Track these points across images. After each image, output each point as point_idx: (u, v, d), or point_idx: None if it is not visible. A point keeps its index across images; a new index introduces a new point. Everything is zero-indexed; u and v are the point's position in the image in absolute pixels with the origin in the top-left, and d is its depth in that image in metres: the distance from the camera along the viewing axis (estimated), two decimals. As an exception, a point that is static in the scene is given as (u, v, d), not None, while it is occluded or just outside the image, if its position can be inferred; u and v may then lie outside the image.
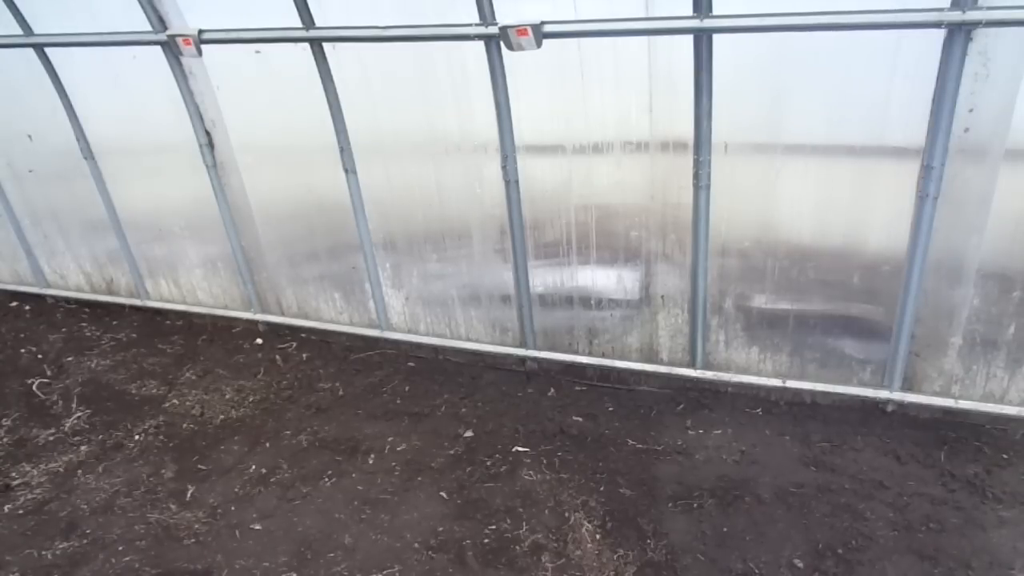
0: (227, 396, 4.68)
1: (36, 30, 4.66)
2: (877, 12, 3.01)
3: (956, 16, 2.89)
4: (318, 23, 3.91)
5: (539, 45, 3.49)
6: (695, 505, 3.45)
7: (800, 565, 3.09)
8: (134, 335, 5.56)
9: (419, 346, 4.93)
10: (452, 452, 3.97)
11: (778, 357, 4.08)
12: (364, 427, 4.25)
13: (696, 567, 3.12)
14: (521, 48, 3.51)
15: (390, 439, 4.12)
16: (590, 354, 4.48)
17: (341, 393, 4.62)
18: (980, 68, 3.07)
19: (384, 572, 3.22)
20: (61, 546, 3.52)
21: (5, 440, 4.40)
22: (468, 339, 4.77)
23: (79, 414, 4.60)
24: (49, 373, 5.12)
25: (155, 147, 4.97)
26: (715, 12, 3.21)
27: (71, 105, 4.99)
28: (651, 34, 3.45)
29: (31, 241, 5.94)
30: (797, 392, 4.08)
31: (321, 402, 4.54)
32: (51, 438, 4.38)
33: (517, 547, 3.30)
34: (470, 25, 3.59)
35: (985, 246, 3.40)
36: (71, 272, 5.99)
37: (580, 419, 4.16)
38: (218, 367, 5.03)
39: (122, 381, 4.95)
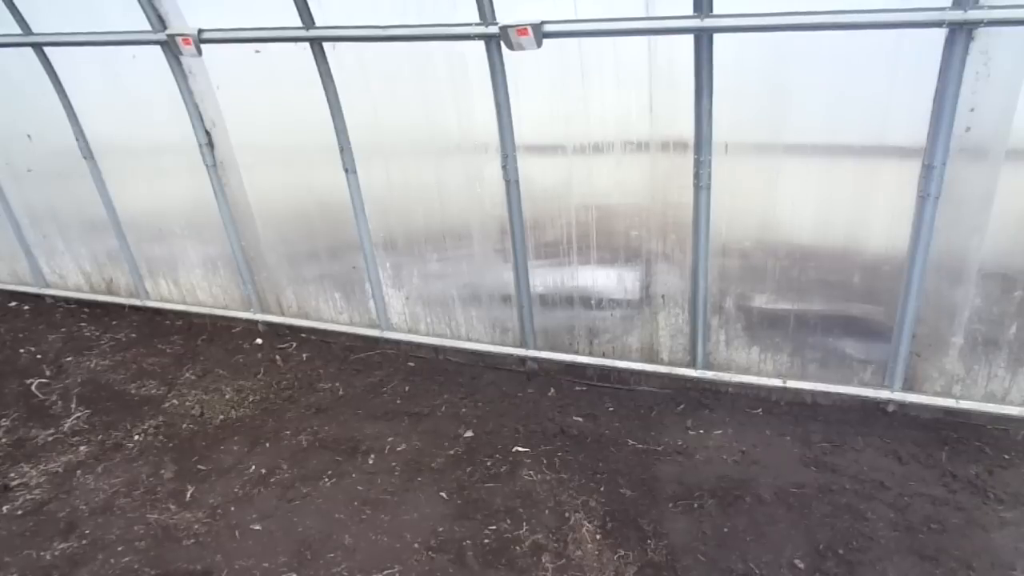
0: (227, 396, 4.68)
1: (35, 30, 4.66)
2: (878, 12, 3.01)
3: (958, 15, 2.89)
4: (318, 23, 3.91)
5: (539, 45, 3.48)
6: (695, 505, 3.44)
7: (801, 566, 3.08)
8: (134, 335, 5.55)
9: (419, 346, 4.93)
10: (452, 452, 3.96)
11: (779, 357, 4.07)
12: (364, 427, 4.24)
13: (696, 567, 3.12)
14: (521, 48, 3.51)
15: (390, 439, 4.11)
16: (590, 354, 4.47)
17: (341, 393, 4.62)
18: (981, 67, 3.07)
19: (384, 572, 3.22)
20: (60, 547, 3.51)
21: (4, 440, 4.39)
22: (468, 339, 4.77)
23: (78, 414, 4.59)
24: (48, 373, 5.11)
25: (155, 147, 4.97)
26: (715, 12, 3.20)
27: (71, 105, 4.98)
28: (651, 34, 3.44)
29: (30, 241, 5.93)
30: (798, 392, 4.07)
31: (321, 402, 4.53)
32: (50, 438, 4.37)
33: (517, 547, 3.29)
34: (470, 25, 3.58)
35: (986, 246, 3.40)
36: (70, 272, 5.98)
37: (580, 419, 4.15)
38: (218, 367, 5.03)
39: (122, 381, 4.95)
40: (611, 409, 4.22)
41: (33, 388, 4.93)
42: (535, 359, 4.61)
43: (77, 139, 5.11)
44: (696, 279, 3.94)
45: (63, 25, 4.55)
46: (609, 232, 4.07)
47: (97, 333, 5.64)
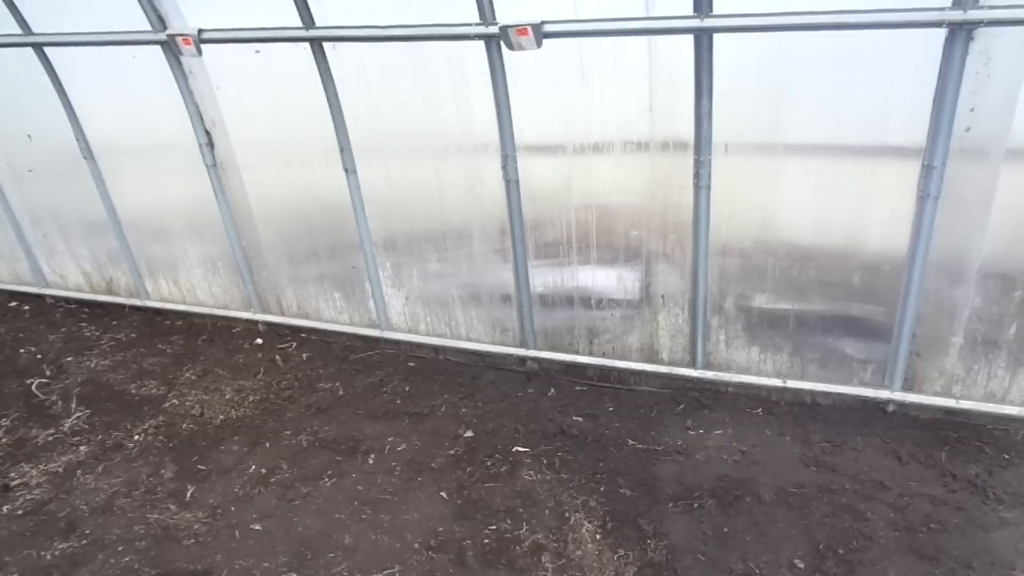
0: (227, 396, 4.68)
1: (36, 29, 4.66)
2: (878, 12, 3.00)
3: (957, 15, 2.89)
4: (318, 23, 3.91)
5: (539, 45, 3.48)
6: (695, 505, 3.45)
7: (801, 565, 3.08)
8: (134, 335, 5.55)
9: (419, 346, 4.93)
10: (452, 452, 3.96)
11: (779, 357, 4.07)
12: (364, 427, 4.25)
13: (696, 567, 3.12)
14: (521, 48, 3.51)
15: (390, 439, 4.11)
16: (590, 354, 4.47)
17: (341, 393, 4.62)
18: (981, 67, 3.07)
19: (384, 572, 3.22)
20: (60, 546, 3.51)
21: (4, 440, 4.39)
22: (468, 339, 4.77)
23: (78, 414, 4.59)
24: (48, 373, 5.11)
25: (155, 147, 4.97)
26: (715, 12, 3.20)
27: (71, 105, 4.98)
28: (651, 34, 3.44)
29: (30, 241, 5.93)
30: (797, 392, 4.07)
31: (321, 402, 4.53)
32: (50, 438, 4.38)
33: (517, 547, 3.29)
34: (470, 25, 3.58)
35: (986, 245, 3.40)
36: (71, 272, 5.98)
37: (580, 419, 4.15)
38: (218, 367, 5.03)
39: (122, 381, 4.95)
40: (611, 409, 4.22)
41: (33, 388, 4.93)
42: (535, 359, 4.61)
43: (77, 139, 5.11)
44: (696, 279, 3.94)
45: (63, 25, 4.55)
46: (609, 232, 4.07)
47: (97, 333, 5.64)
